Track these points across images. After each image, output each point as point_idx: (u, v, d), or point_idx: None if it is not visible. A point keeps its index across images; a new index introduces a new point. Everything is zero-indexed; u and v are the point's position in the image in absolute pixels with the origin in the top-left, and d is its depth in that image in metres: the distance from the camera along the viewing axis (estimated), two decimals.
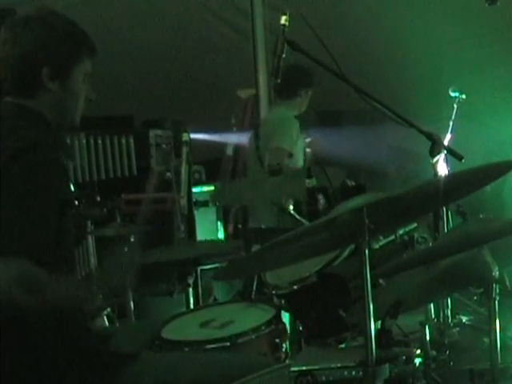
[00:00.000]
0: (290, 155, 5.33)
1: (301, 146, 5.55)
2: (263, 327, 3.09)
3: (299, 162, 5.46)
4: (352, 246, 3.15)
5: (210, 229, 6.33)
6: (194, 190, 6.00)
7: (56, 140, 2.52)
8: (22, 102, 2.52)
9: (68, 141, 5.40)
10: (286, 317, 3.85)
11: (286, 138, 5.37)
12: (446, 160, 3.16)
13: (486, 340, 2.69)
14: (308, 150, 5.63)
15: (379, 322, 2.45)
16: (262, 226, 4.99)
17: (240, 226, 6.50)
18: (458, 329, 3.05)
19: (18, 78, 2.52)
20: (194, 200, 5.64)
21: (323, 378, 2.45)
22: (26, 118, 2.50)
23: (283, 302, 3.36)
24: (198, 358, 2.76)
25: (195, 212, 5.71)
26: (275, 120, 5.52)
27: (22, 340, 2.32)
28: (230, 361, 2.71)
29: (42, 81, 2.50)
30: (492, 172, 2.38)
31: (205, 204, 5.85)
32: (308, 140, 5.74)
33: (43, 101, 2.52)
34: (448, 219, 3.22)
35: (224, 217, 6.53)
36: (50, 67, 2.50)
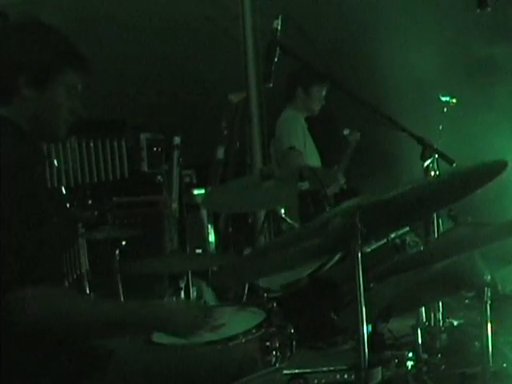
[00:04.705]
0: (300, 153, 5.44)
1: (312, 147, 5.65)
2: (254, 330, 3.08)
3: (316, 163, 5.54)
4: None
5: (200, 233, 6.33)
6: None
7: (26, 149, 2.45)
8: None
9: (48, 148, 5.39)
10: None
11: (291, 137, 5.48)
12: (437, 165, 3.17)
13: (477, 343, 2.70)
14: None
15: (370, 326, 2.45)
16: None
17: (230, 230, 6.51)
18: (448, 332, 3.06)
19: None
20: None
21: (315, 382, 2.45)
22: None
23: (275, 304, 3.36)
24: (188, 358, 2.75)
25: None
26: (280, 123, 5.68)
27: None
28: (221, 363, 2.70)
29: (17, 87, 2.45)
30: (484, 173, 2.38)
31: (196, 207, 5.85)
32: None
33: (18, 109, 2.47)
34: (439, 223, 3.23)
35: (214, 220, 6.53)
36: (27, 74, 2.45)
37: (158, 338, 3.15)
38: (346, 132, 6.24)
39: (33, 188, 2.34)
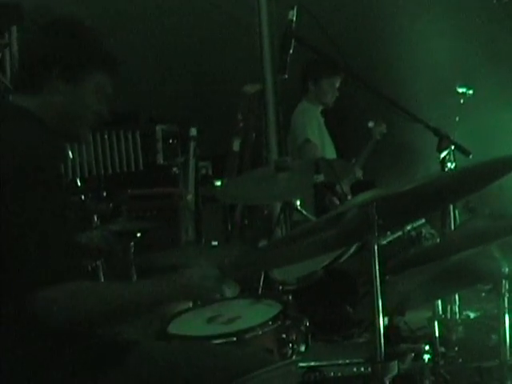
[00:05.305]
0: (315, 145, 5.45)
1: (328, 140, 5.65)
2: (270, 323, 3.07)
3: (332, 155, 5.55)
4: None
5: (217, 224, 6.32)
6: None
7: (48, 145, 2.42)
8: (21, 103, 2.48)
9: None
10: None
11: (306, 129, 5.50)
12: (454, 156, 3.15)
13: (494, 337, 2.68)
14: None
15: (386, 319, 2.44)
16: None
17: (246, 221, 6.49)
18: (465, 325, 3.04)
19: (26, 72, 2.52)
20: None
21: (331, 374, 2.44)
22: (19, 121, 2.44)
23: (290, 297, 3.34)
24: (204, 350, 2.74)
25: None
26: (295, 115, 5.72)
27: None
28: (237, 355, 2.69)
29: (50, 78, 2.47)
30: (499, 168, 2.36)
31: (212, 199, 5.84)
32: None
33: (46, 102, 2.49)
34: (455, 215, 3.21)
35: (230, 212, 6.52)
36: (61, 66, 2.48)
37: (173, 328, 3.16)
38: (370, 124, 6.20)
39: (55, 184, 2.33)
